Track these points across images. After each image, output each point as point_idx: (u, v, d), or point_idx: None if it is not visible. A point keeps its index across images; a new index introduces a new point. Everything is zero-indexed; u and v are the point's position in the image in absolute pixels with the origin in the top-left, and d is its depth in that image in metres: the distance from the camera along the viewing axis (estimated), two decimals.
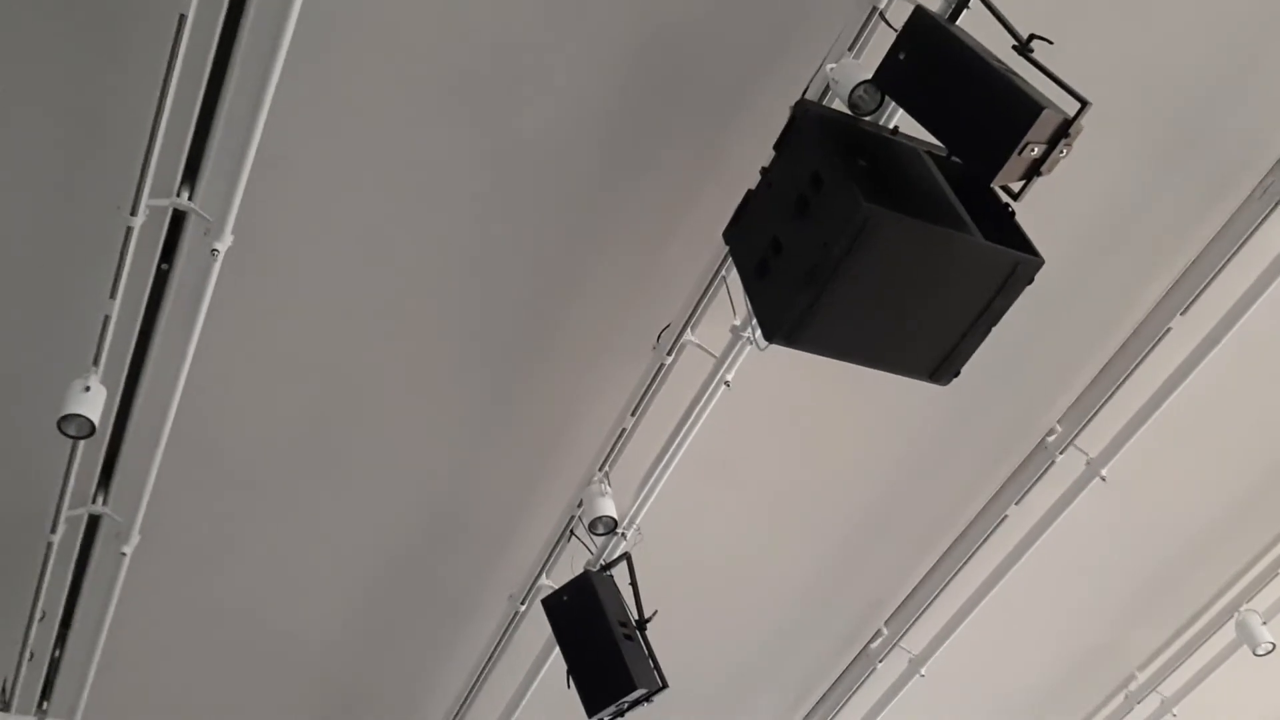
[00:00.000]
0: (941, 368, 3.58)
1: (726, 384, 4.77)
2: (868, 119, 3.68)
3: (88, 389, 4.29)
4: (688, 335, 4.72)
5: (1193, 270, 4.93)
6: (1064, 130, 3.09)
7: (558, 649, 5.12)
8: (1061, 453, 5.51)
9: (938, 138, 3.35)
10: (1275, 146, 4.64)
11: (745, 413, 5.09)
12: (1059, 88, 3.15)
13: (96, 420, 4.29)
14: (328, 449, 5.39)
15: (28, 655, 5.68)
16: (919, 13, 3.34)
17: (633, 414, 5.00)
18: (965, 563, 6.04)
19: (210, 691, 6.52)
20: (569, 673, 4.96)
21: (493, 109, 4.28)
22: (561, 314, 4.99)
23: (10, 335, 4.76)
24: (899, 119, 3.71)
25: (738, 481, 5.71)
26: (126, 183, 3.94)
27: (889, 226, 3.20)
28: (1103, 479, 5.39)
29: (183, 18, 3.54)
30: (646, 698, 4.88)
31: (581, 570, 5.20)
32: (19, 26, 3.89)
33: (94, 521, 5.27)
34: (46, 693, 6.05)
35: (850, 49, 3.82)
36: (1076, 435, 5.45)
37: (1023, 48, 3.27)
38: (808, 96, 3.85)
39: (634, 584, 5.07)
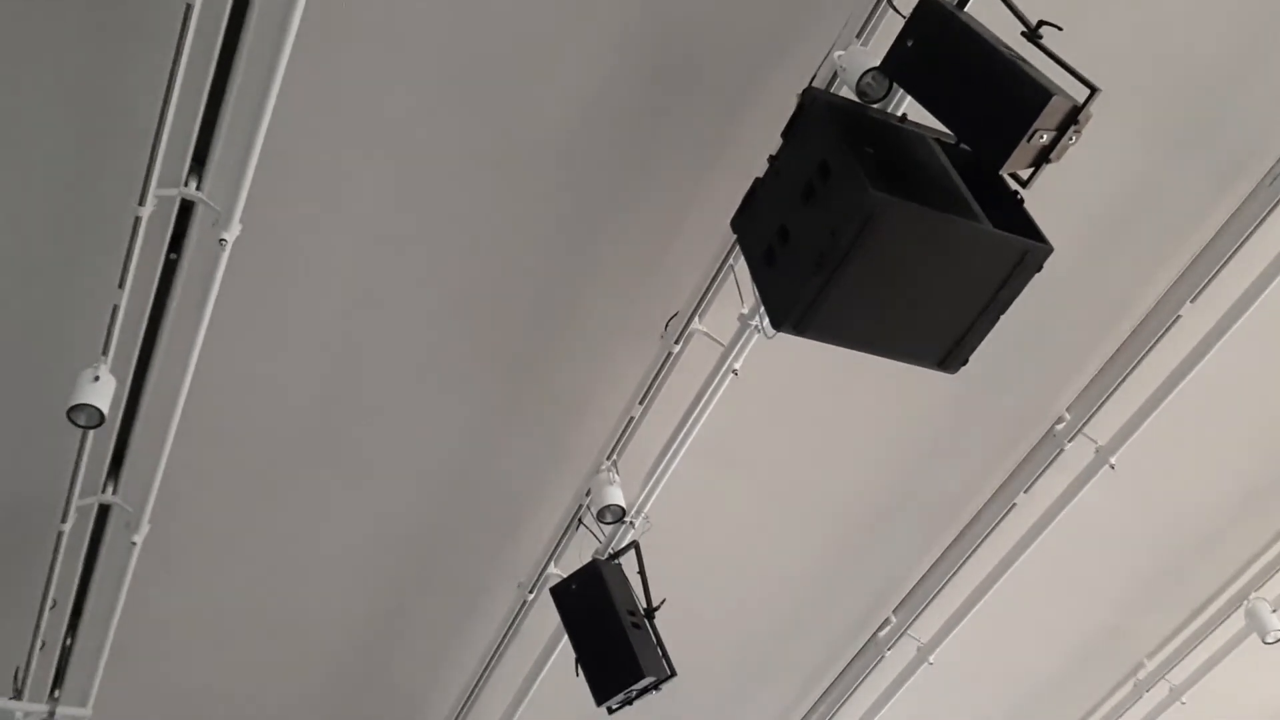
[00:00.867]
0: (950, 356, 3.57)
1: (734, 372, 4.77)
2: (876, 106, 3.67)
3: (97, 379, 4.31)
4: (696, 324, 4.72)
5: (1202, 258, 4.91)
6: (1073, 117, 3.07)
7: (566, 637, 5.14)
8: (1070, 440, 5.50)
9: (946, 125, 3.34)
10: None
11: (753, 401, 5.09)
12: (1068, 74, 3.14)
13: (106, 410, 4.31)
14: (337, 438, 5.40)
15: (39, 644, 5.71)
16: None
17: (641, 403, 5.00)
18: (974, 551, 6.04)
19: (221, 679, 6.55)
20: (577, 661, 4.97)
21: (501, 99, 4.28)
22: (569, 303, 4.99)
23: (20, 325, 4.77)
24: (907, 106, 3.70)
25: (746, 470, 5.71)
26: (134, 173, 3.95)
27: (896, 214, 3.20)
28: (1111, 467, 5.38)
29: (189, 7, 3.54)
30: (655, 686, 4.89)
31: (590, 559, 5.21)
32: (27, 18, 3.89)
33: (104, 511, 5.30)
34: (58, 681, 6.08)
35: (858, 36, 3.81)
36: (1085, 423, 5.44)
37: (1032, 34, 3.26)
38: (815, 84, 3.84)
39: (642, 572, 5.08)
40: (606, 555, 5.26)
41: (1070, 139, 3.11)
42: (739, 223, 3.87)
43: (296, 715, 6.85)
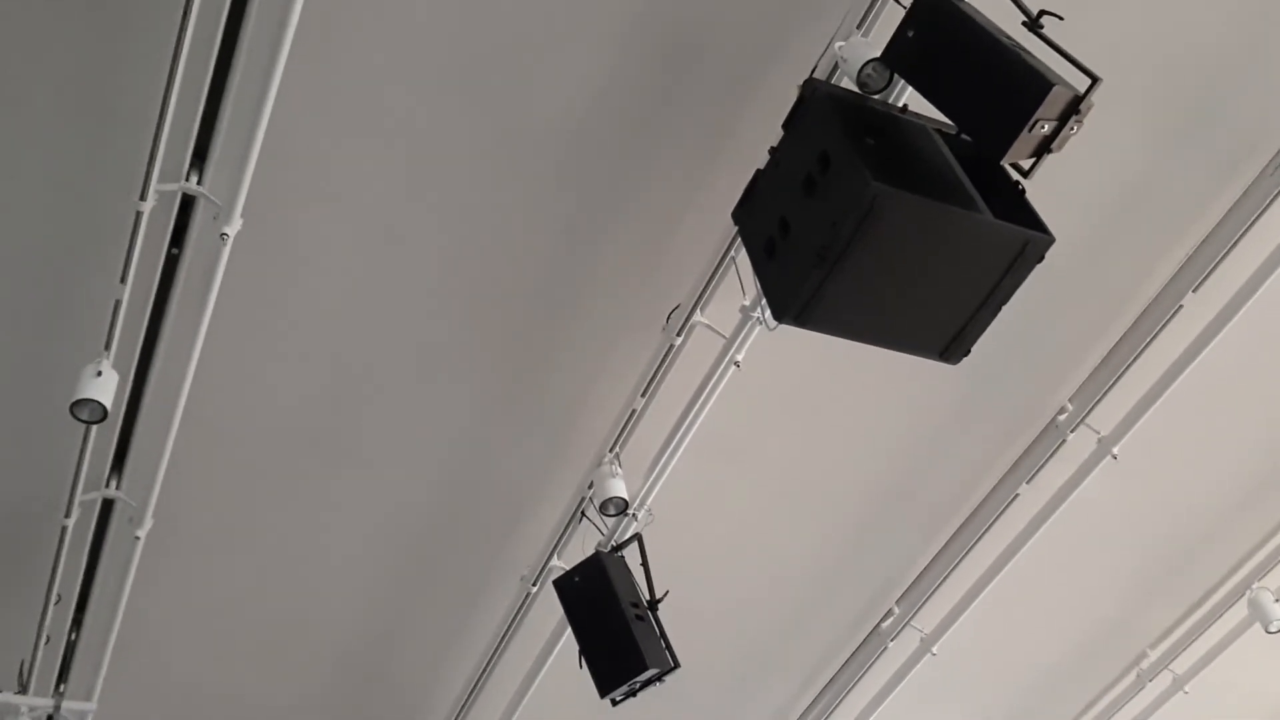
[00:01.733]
0: (952, 347, 3.57)
1: (736, 364, 4.77)
2: (876, 97, 3.66)
3: (99, 374, 4.31)
4: (697, 316, 4.72)
5: (1204, 247, 4.91)
6: (1074, 107, 3.07)
7: (570, 630, 5.14)
8: (1073, 431, 5.50)
9: (947, 115, 3.34)
10: None
11: (755, 393, 5.09)
12: (1069, 64, 3.13)
13: (109, 405, 4.31)
14: (339, 432, 5.40)
15: (44, 638, 5.72)
16: None
17: (643, 395, 5.00)
18: (976, 542, 6.04)
19: (225, 673, 6.57)
20: (581, 653, 4.98)
21: (501, 93, 4.27)
22: (571, 296, 4.99)
23: (22, 321, 4.78)
24: (908, 97, 3.69)
25: (748, 462, 5.71)
26: (135, 168, 3.95)
27: (898, 205, 3.19)
28: (1114, 457, 5.38)
29: (189, 1, 3.54)
30: (658, 677, 4.90)
31: (593, 551, 5.22)
32: (27, 14, 3.89)
33: (107, 506, 5.30)
34: (63, 675, 6.09)
35: (859, 27, 3.80)
36: (1088, 414, 5.44)
37: (1033, 24, 3.25)
38: (816, 75, 3.84)
39: (645, 564, 5.08)
40: (609, 548, 5.27)
41: (1071, 129, 3.11)
42: (740, 214, 3.87)
43: (301, 708, 6.87)
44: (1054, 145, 3.13)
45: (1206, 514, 6.23)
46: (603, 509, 5.14)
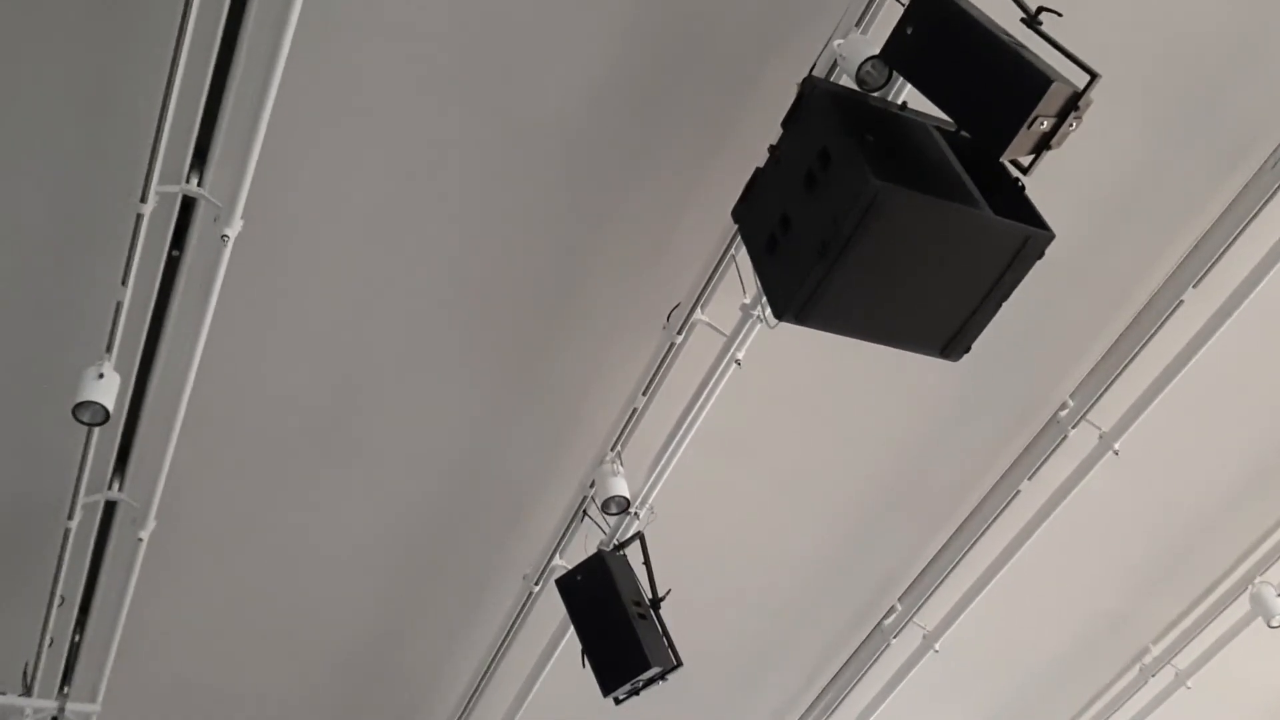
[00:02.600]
0: (952, 343, 3.57)
1: (737, 362, 4.77)
2: (876, 94, 3.67)
3: (101, 376, 4.31)
4: (698, 314, 4.72)
5: (1205, 243, 4.90)
6: (1073, 103, 3.07)
7: (572, 629, 5.15)
8: (1074, 427, 5.50)
9: (946, 112, 3.34)
10: None
11: (756, 391, 5.10)
12: (1068, 60, 3.13)
13: (111, 407, 4.31)
14: (340, 432, 5.41)
15: (48, 640, 5.73)
16: None
17: (644, 393, 5.01)
18: (978, 538, 6.04)
19: (229, 673, 6.57)
20: (584, 652, 4.98)
21: (501, 89, 4.27)
22: (571, 295, 4.99)
23: (23, 323, 4.78)
24: (907, 94, 3.69)
25: (750, 460, 5.72)
26: (136, 170, 3.95)
27: (898, 202, 3.20)
28: (1115, 453, 5.38)
29: (188, 3, 3.54)
30: (661, 676, 4.90)
31: (595, 550, 5.22)
32: (27, 16, 3.89)
33: (110, 507, 5.31)
34: (67, 677, 6.11)
35: (857, 24, 3.80)
36: (1089, 409, 5.44)
37: (1031, 20, 3.25)
38: (815, 73, 3.84)
39: (647, 563, 5.08)
40: (611, 546, 5.27)
41: (1071, 125, 3.11)
42: (740, 212, 3.87)
43: (304, 708, 6.88)
44: (1053, 141, 3.13)
45: (1208, 509, 6.23)
46: (604, 508, 5.14)
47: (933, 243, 3.32)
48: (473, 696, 6.54)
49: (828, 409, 5.58)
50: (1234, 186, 4.77)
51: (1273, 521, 6.31)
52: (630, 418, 5.10)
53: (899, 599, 6.52)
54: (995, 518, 5.95)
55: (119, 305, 4.29)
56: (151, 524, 5.15)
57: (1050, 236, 3.35)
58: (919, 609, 6.39)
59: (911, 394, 5.48)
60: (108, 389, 4.31)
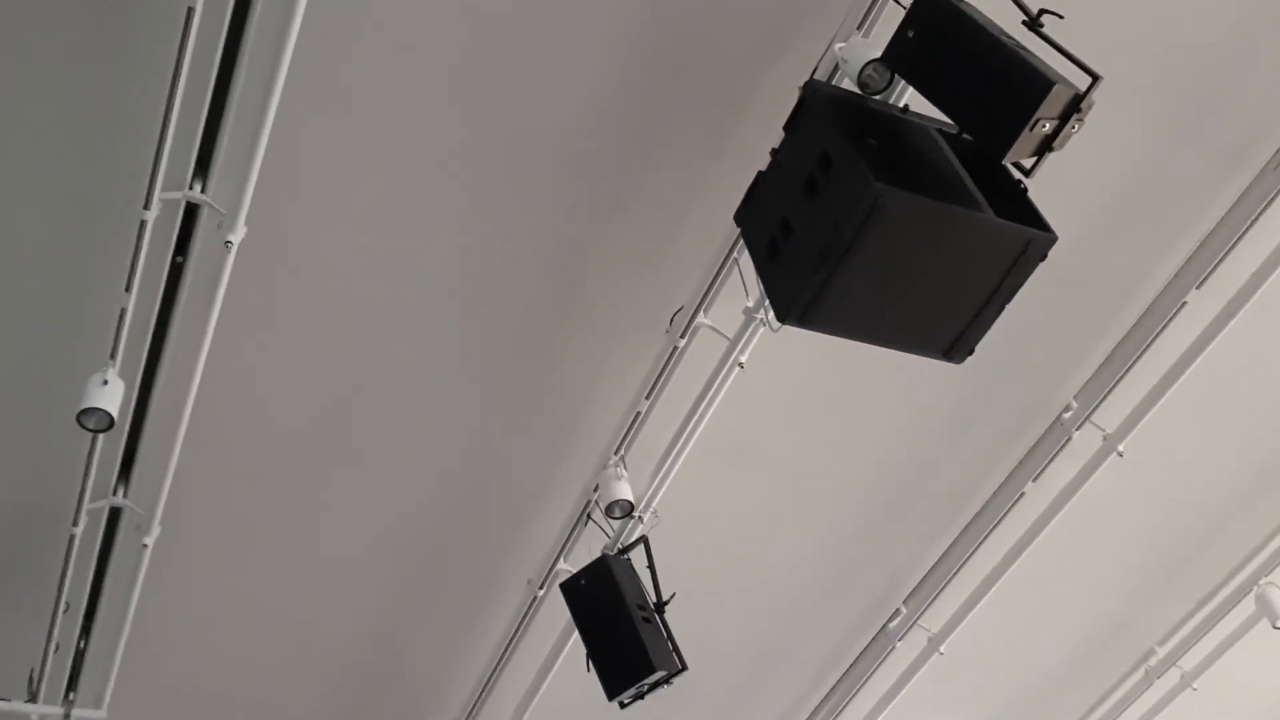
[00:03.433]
0: (955, 346, 3.57)
1: (740, 366, 4.78)
2: (877, 98, 3.67)
3: (106, 382, 4.32)
4: (701, 318, 4.72)
5: (1208, 244, 4.90)
6: (1075, 105, 3.07)
7: (577, 633, 5.15)
8: (1078, 429, 5.49)
9: (948, 115, 3.34)
10: None
11: (759, 394, 5.10)
12: (1070, 63, 3.13)
13: (115, 413, 4.32)
14: (344, 438, 5.41)
15: (53, 647, 5.73)
16: None
17: (647, 397, 5.01)
18: (983, 540, 6.03)
19: (233, 679, 6.58)
20: (588, 656, 4.98)
21: (503, 95, 4.28)
22: (574, 299, 4.99)
23: (27, 330, 4.79)
24: (909, 97, 3.69)
25: (753, 463, 5.72)
26: (139, 177, 3.96)
27: (900, 205, 3.20)
28: (1120, 454, 5.37)
29: (191, 10, 3.55)
30: (666, 680, 4.90)
31: (599, 554, 5.22)
32: (29, 23, 3.90)
33: (115, 514, 5.32)
34: (73, 683, 6.11)
35: (859, 27, 3.80)
36: (1093, 411, 5.43)
37: (1033, 23, 3.25)
38: (817, 76, 3.84)
39: (651, 567, 5.09)
40: (615, 550, 5.27)
41: (1073, 127, 3.11)
42: (742, 216, 3.88)
43: (310, 713, 6.88)
44: (1055, 144, 3.14)
45: (1213, 510, 6.22)
46: (608, 511, 5.14)
47: (935, 246, 3.32)
48: (477, 702, 6.54)
49: (831, 412, 5.58)
50: (1237, 187, 4.77)
51: (1278, 522, 6.30)
52: (634, 421, 5.10)
53: (904, 601, 6.52)
54: (1000, 520, 5.94)
55: (123, 312, 4.29)
56: (156, 530, 5.15)
57: (1053, 239, 3.35)
58: (924, 611, 6.38)
59: (915, 396, 5.48)
60: (112, 395, 4.32)
